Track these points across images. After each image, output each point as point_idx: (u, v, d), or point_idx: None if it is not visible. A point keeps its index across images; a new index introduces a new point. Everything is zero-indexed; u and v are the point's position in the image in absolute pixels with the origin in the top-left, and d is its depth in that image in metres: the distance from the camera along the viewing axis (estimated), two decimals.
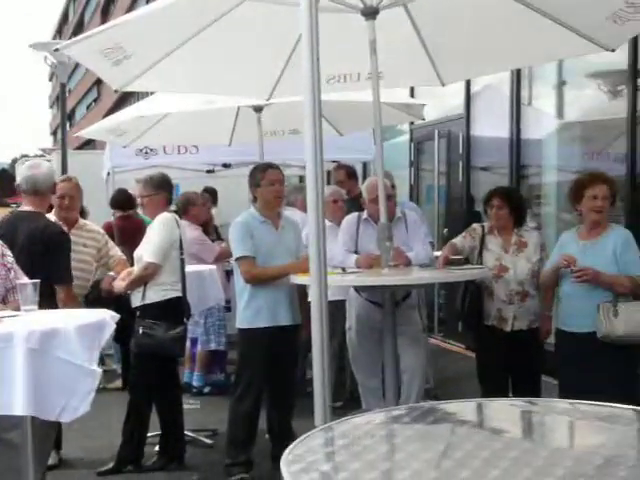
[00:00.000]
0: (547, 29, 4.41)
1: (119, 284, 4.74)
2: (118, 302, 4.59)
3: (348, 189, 6.27)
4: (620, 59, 6.15)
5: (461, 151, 8.45)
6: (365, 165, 9.30)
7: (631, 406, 2.21)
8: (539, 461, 1.74)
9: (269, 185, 4.57)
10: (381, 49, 4.37)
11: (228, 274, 6.53)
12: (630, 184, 6.02)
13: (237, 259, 4.53)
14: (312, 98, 2.78)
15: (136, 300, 4.66)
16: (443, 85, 5.18)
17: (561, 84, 8.28)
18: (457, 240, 4.78)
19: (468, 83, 8.24)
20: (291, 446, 1.76)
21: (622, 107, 6.21)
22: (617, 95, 6.71)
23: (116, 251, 5.21)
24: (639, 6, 3.91)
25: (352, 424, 2.04)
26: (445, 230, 8.56)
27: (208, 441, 5.28)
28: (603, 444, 1.97)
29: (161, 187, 4.78)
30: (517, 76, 7.51)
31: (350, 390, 5.92)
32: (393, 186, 5.27)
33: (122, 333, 5.32)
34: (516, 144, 7.53)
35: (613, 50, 4.50)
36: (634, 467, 1.72)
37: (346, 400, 5.92)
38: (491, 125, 8.27)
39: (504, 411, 2.40)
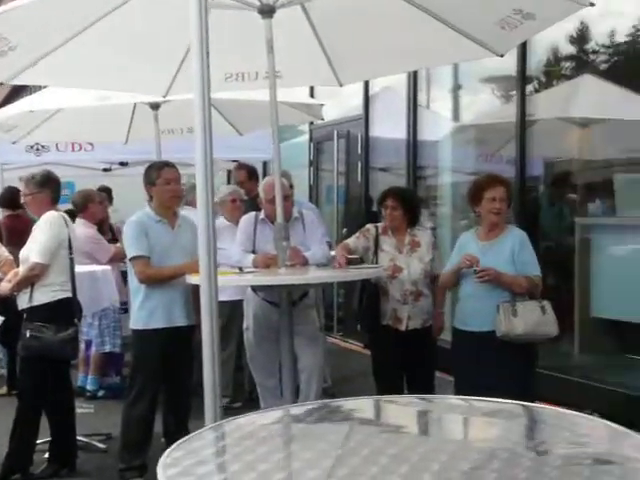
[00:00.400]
0: (441, 33, 4.50)
1: (5, 285, 4.56)
2: (4, 304, 4.41)
3: (248, 189, 6.23)
4: (511, 65, 6.37)
5: (360, 151, 8.55)
6: (266, 164, 9.28)
7: (521, 402, 2.26)
8: (417, 457, 1.77)
9: (165, 184, 4.49)
10: (279, 48, 4.36)
11: (124, 275, 6.38)
12: (519, 186, 6.23)
13: (131, 259, 4.42)
14: (202, 96, 2.75)
15: (23, 302, 4.48)
16: (341, 85, 5.21)
17: (457, 88, 8.51)
18: (350, 241, 4.82)
19: (367, 84, 8.34)
20: (169, 449, 1.72)
21: (513, 111, 6.42)
22: (509, 100, 6.94)
23: (3, 251, 5.01)
24: (526, 13, 4.04)
25: (237, 424, 2.02)
26: (344, 230, 8.64)
27: (101, 446, 5.14)
28: (487, 439, 2.02)
29: (44, 185, 4.61)
30: (414, 79, 7.66)
31: (249, 390, 5.89)
32: (291, 186, 5.27)
33: (8, 336, 5.15)
34: (413, 145, 7.68)
35: (502, 55, 4.63)
36: (508, 460, 1.76)
37: (245, 401, 5.89)
38: (389, 126, 8.41)
39: (398, 408, 2.43)
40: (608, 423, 2.04)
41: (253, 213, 5.02)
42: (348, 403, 2.38)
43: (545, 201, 6.83)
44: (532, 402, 3.93)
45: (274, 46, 4.31)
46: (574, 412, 2.19)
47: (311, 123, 9.21)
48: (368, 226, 4.87)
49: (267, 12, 4.25)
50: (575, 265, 6.14)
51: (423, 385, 4.61)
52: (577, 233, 6.23)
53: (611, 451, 1.86)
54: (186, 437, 1.83)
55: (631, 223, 5.76)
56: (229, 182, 8.80)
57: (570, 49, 8.32)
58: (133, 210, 4.73)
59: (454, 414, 2.30)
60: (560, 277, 6.68)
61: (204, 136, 2.75)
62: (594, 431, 2.03)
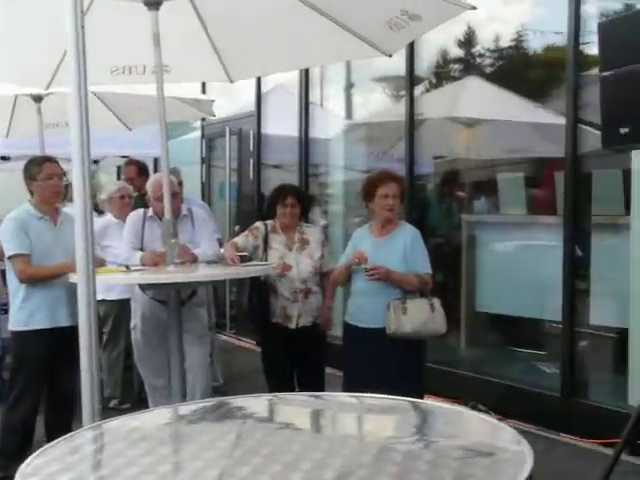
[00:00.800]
0: (331, 31, 4.52)
1: None
2: None
3: (138, 185, 6.10)
4: (401, 65, 6.49)
5: (252, 149, 8.51)
6: (157, 161, 9.11)
7: (410, 399, 2.30)
8: (318, 454, 1.77)
9: (46, 179, 4.34)
10: (167, 42, 4.27)
11: (3, 274, 6.12)
12: (409, 184, 6.34)
13: (10, 257, 4.25)
14: (78, 89, 2.66)
15: None
16: (232, 82, 5.17)
17: (349, 87, 8.60)
18: (239, 239, 4.78)
19: (259, 81, 8.32)
20: (32, 456, 1.64)
21: (403, 111, 6.54)
22: (399, 99, 7.06)
23: None
24: (412, 14, 4.11)
25: (113, 426, 1.96)
26: (237, 227, 8.57)
27: None
28: (380, 434, 2.05)
29: None
30: (306, 76, 7.68)
31: (138, 391, 5.76)
32: (180, 183, 5.20)
33: None
34: (305, 143, 7.71)
35: (390, 55, 4.69)
36: (380, 455, 1.78)
37: (134, 401, 5.76)
38: (281, 124, 8.41)
39: (287, 406, 2.42)
40: (484, 417, 2.09)
41: (141, 210, 4.91)
42: (236, 401, 2.35)
43: (434, 199, 7.00)
44: (421, 397, 4.05)
45: (162, 40, 4.22)
46: (456, 406, 2.25)
47: (203, 119, 9.11)
48: (257, 224, 4.84)
49: (153, 4, 4.15)
50: (462, 261, 6.32)
51: (314, 382, 4.62)
52: (463, 230, 6.41)
53: (483, 443, 1.91)
54: (52, 442, 1.75)
55: (513, 220, 5.97)
56: (119, 178, 8.60)
57: (457, 52, 8.54)
58: (15, 206, 4.54)
59: (342, 411, 2.32)
60: (447, 273, 6.86)
61: (80, 131, 2.66)
62: (469, 424, 2.09)
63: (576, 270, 5.11)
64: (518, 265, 5.86)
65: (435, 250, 6.93)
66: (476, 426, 2.03)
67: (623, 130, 3.78)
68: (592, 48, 4.88)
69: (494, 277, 6.06)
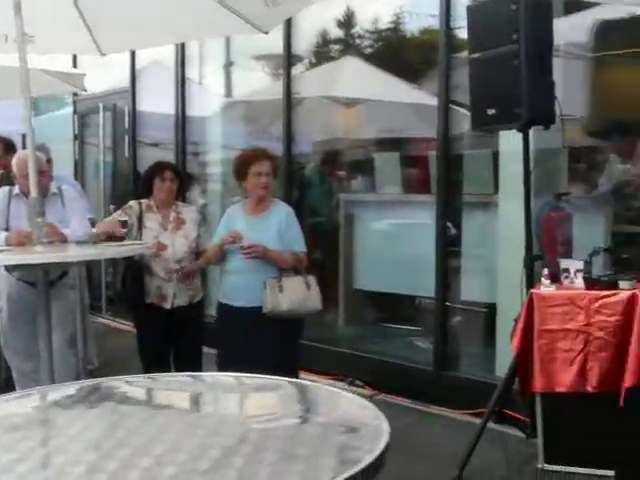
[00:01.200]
0: (207, 7, 4.43)
1: None
2: None
3: (4, 163, 5.80)
4: (279, 44, 6.46)
5: (127, 126, 8.28)
6: (25, 137, 8.69)
7: (279, 377, 2.30)
8: (173, 435, 1.74)
9: None
10: (32, 10, 4.06)
11: None
12: (287, 163, 6.35)
13: None
14: None
15: None
16: (102, 54, 4.99)
17: (229, 64, 8.50)
18: (110, 219, 4.65)
19: (133, 57, 8.08)
20: None
21: (281, 89, 6.52)
22: (278, 78, 7.03)
23: None
24: None
25: None
26: (112, 206, 8.33)
27: None
28: (243, 414, 2.04)
29: None
30: (182, 52, 7.53)
31: (5, 377, 5.52)
32: (49, 160, 4.98)
33: None
34: (182, 120, 7.58)
35: (266, 32, 4.65)
36: (264, 432, 1.78)
37: (0, 388, 5.52)
38: (157, 100, 8.22)
39: (162, 387, 2.37)
40: (347, 394, 2.12)
41: (7, 188, 4.68)
42: (110, 384, 2.27)
43: (312, 178, 7.02)
44: (296, 375, 4.08)
45: (26, 8, 4.01)
46: (321, 384, 2.27)
47: (75, 94, 8.77)
48: (131, 203, 4.71)
49: None
50: (339, 240, 6.39)
51: (190, 362, 4.56)
52: (341, 209, 6.48)
53: (343, 420, 1.94)
54: None
55: (389, 199, 6.08)
56: None
57: (336, 32, 8.58)
58: None
59: (216, 391, 2.29)
60: (326, 252, 6.93)
61: None
62: (332, 402, 2.11)
63: (448, 247, 5.26)
64: (394, 243, 5.99)
65: (314, 229, 6.98)
66: (338, 403, 2.06)
67: (491, 111, 3.91)
68: (464, 31, 5.00)
69: (371, 255, 6.16)
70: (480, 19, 3.91)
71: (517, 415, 4.33)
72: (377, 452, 1.54)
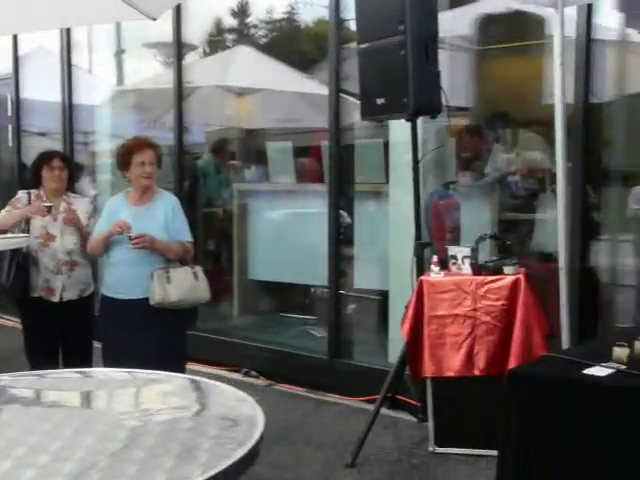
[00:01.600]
0: None
1: None
2: None
3: None
4: (170, 32, 6.34)
5: (11, 114, 7.95)
6: None
7: (170, 372, 2.26)
8: (70, 431, 1.70)
9: None
10: None
11: None
12: (178, 153, 6.25)
13: None
14: None
15: None
16: None
17: (120, 52, 8.29)
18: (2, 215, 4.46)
19: (16, 42, 7.76)
20: None
21: (172, 78, 6.40)
22: (170, 66, 6.91)
23: None
24: None
25: None
26: None
27: None
28: (129, 410, 2.00)
29: None
30: (67, 38, 7.27)
31: None
32: None
33: None
34: (69, 109, 7.33)
35: (155, 19, 4.54)
36: (138, 428, 1.75)
37: None
38: (43, 88, 7.92)
39: (50, 384, 2.30)
40: (226, 387, 2.12)
41: None
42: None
43: (205, 168, 6.94)
44: (184, 367, 4.03)
45: None
46: (207, 379, 2.26)
47: None
48: (19, 194, 4.52)
49: None
50: (234, 230, 6.34)
51: (80, 357, 4.43)
52: (235, 199, 6.43)
53: (221, 412, 1.93)
54: None
55: (283, 189, 6.08)
56: None
57: (230, 21, 8.51)
58: None
59: (94, 387, 2.24)
60: (221, 242, 6.88)
61: None
62: (212, 396, 2.10)
63: (341, 236, 5.30)
64: (288, 233, 6.00)
65: (207, 219, 6.92)
66: (216, 397, 2.05)
67: (379, 101, 3.96)
68: (354, 22, 5.04)
69: (265, 245, 6.15)
70: (367, 10, 3.94)
71: (409, 400, 4.42)
72: (249, 445, 1.54)
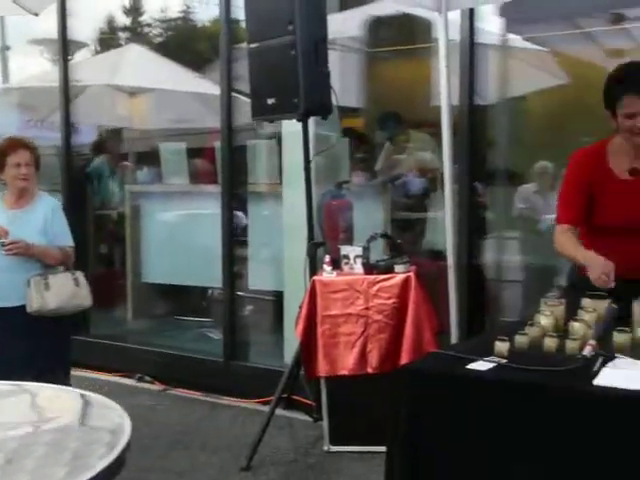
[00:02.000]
0: None
1: None
2: None
3: None
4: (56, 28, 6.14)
5: None
6: None
7: (24, 383, 2.18)
8: None
9: None
10: None
11: None
12: (65, 154, 6.06)
13: None
14: None
15: None
16: None
17: (4, 48, 7.98)
18: None
19: None
20: None
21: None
22: (57, 63, 6.69)
23: None
24: None
25: None
26: None
27: None
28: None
29: None
30: None
31: None
32: None
33: None
34: None
35: (36, 14, 4.40)
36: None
37: None
38: None
39: None
40: (90, 395, 2.06)
41: None
42: None
43: (96, 169, 6.75)
44: (67, 375, 3.90)
45: None
46: (71, 388, 2.17)
47: None
48: None
49: None
50: (126, 233, 6.20)
51: None
52: (128, 200, 6.29)
53: (85, 422, 1.88)
54: None
55: (176, 190, 5.98)
56: None
57: (121, 19, 8.34)
58: None
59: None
60: (113, 245, 6.71)
61: None
62: (77, 405, 2.04)
63: (235, 237, 5.26)
64: (182, 234, 5.90)
65: (100, 222, 6.74)
66: (80, 407, 1.99)
67: (270, 101, 3.95)
68: None
69: (159, 247, 6.04)
70: (257, 10, 3.93)
71: (305, 400, 4.42)
72: (112, 456, 1.49)
